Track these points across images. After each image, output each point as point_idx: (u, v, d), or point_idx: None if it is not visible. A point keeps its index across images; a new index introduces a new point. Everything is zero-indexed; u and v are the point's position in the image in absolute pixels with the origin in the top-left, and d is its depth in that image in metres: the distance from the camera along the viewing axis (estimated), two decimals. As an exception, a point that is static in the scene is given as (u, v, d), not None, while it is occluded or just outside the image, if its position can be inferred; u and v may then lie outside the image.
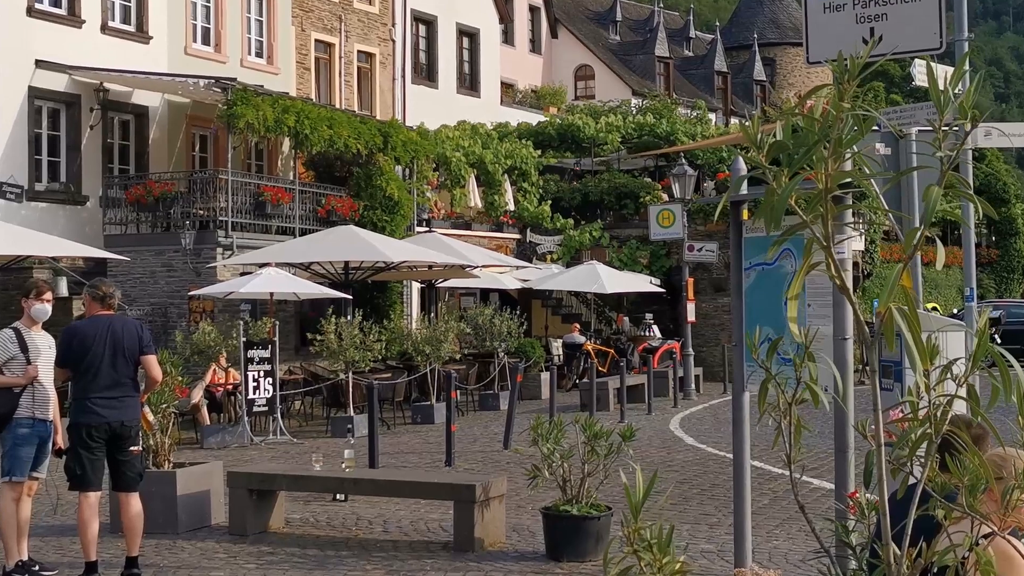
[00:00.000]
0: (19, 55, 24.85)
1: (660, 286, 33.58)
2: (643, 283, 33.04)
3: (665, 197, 35.14)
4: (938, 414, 3.29)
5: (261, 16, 31.72)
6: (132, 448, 9.67)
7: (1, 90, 24.53)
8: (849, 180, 3.24)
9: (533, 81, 52.24)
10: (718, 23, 68.01)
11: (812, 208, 3.24)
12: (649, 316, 33.58)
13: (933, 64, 10.39)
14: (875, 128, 11.25)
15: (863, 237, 35.15)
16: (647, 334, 32.89)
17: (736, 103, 61.47)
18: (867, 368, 3.55)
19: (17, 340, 9.75)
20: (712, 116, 50.57)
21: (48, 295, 9.98)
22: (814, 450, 14.40)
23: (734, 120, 56.34)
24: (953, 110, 3.21)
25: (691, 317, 29.33)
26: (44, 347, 9.85)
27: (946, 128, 3.20)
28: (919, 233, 3.20)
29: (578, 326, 32.91)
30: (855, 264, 35.04)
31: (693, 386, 28.71)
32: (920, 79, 11.11)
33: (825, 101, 3.26)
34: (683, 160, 31.28)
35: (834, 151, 3.15)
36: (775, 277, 7.90)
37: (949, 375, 3.37)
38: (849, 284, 3.54)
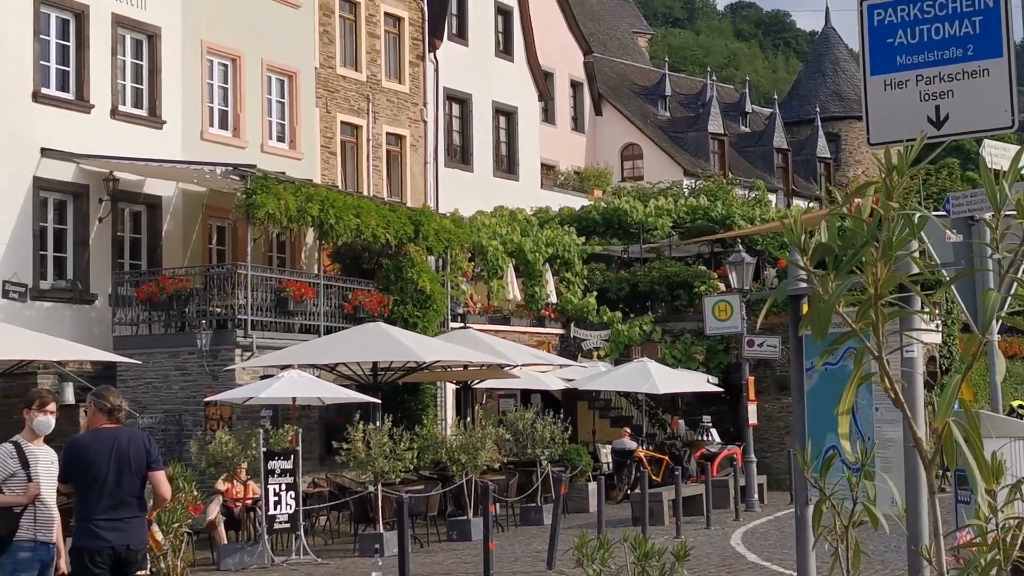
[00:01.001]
0: (24, 143, 25.33)
1: (718, 385, 33.43)
2: (699, 382, 32.90)
3: (722, 287, 35.12)
4: (1007, 539, 3.28)
5: (283, 97, 32.21)
6: (139, 573, 9.69)
7: (4, 181, 24.96)
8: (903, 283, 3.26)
9: (576, 162, 52.59)
10: (776, 96, 68.33)
11: (862, 315, 3.27)
12: (707, 419, 33.39)
13: (1002, 147, 10.43)
14: (942, 213, 11.27)
15: (940, 329, 34.93)
16: (705, 439, 32.70)
17: (798, 182, 61.57)
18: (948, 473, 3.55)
19: (18, 455, 9.83)
20: (772, 197, 50.66)
21: (52, 406, 10.08)
22: (890, 566, 14.22)
23: (796, 201, 56.39)
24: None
25: (753, 419, 29.16)
26: (46, 462, 9.92)
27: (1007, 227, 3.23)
28: (979, 344, 3.22)
29: (628, 430, 32.77)
30: (932, 359, 34.78)
31: (756, 496, 28.46)
32: (991, 160, 11.14)
33: (874, 199, 3.30)
34: (740, 246, 31.32)
35: (884, 253, 3.18)
36: (840, 377, 7.88)
37: (1019, 495, 3.36)
38: (919, 384, 3.55)
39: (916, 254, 3.21)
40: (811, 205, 54.01)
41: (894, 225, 3.16)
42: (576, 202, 43.56)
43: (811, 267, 3.29)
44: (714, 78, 64.84)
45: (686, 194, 44.53)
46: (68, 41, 26.64)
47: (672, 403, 35.27)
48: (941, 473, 20.95)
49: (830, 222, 3.31)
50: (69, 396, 23.11)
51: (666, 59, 69.37)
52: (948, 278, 3.57)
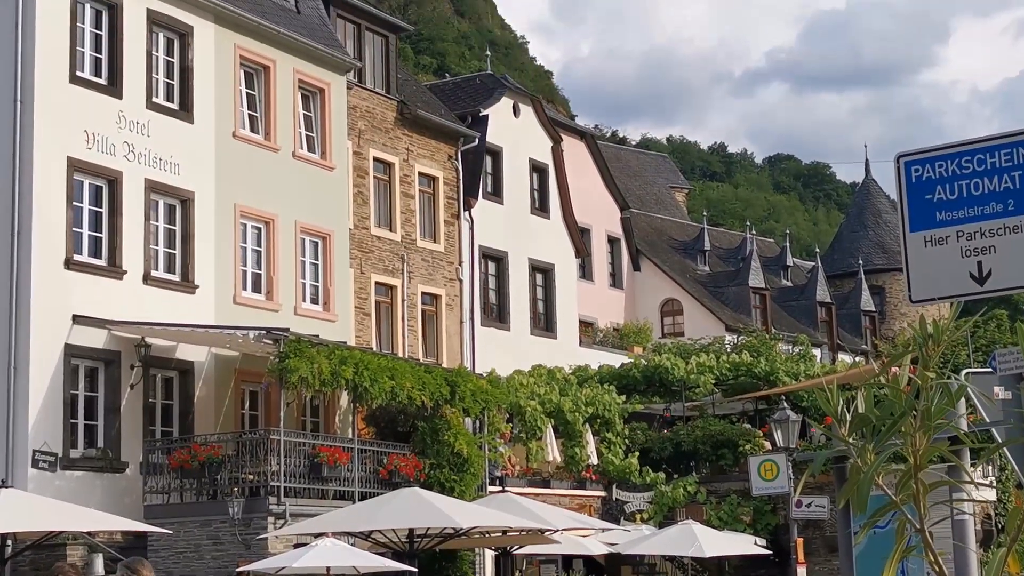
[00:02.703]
0: (56, 311, 25.63)
1: (766, 547, 32.97)
2: (746, 544, 32.47)
3: (767, 446, 34.86)
4: None
5: (317, 259, 32.55)
6: None
7: (36, 350, 25.21)
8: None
9: (615, 319, 52.70)
10: (818, 249, 68.50)
11: (903, 487, 3.26)
12: (755, 582, 32.88)
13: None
14: (990, 369, 11.19)
15: (994, 485, 34.45)
16: (754, 602, 32.15)
17: (843, 336, 61.39)
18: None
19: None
20: (816, 352, 50.51)
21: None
22: None
23: (842, 356, 56.19)
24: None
25: (803, 582, 28.66)
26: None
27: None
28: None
29: (674, 595, 32.28)
30: (987, 516, 34.24)
31: (809, 663, 27.85)
32: (1037, 316, 11.12)
33: (911, 367, 3.31)
34: (785, 403, 31.14)
35: (923, 423, 3.19)
36: (890, 540, 7.78)
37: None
38: (972, 559, 3.51)
39: (963, 414, 3.20)
40: (857, 359, 53.79)
41: (932, 394, 3.16)
42: (616, 360, 43.55)
43: (850, 437, 3.29)
44: (754, 232, 65.18)
45: (728, 350, 44.46)
46: (101, 207, 27.13)
47: (719, 566, 34.76)
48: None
49: (867, 391, 3.32)
50: (99, 568, 23.00)
51: (704, 213, 69.88)
52: (998, 438, 3.56)
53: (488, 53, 68.28)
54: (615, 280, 54.68)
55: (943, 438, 3.31)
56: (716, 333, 50.33)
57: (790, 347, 47.16)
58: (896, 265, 63.79)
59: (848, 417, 3.29)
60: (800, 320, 60.30)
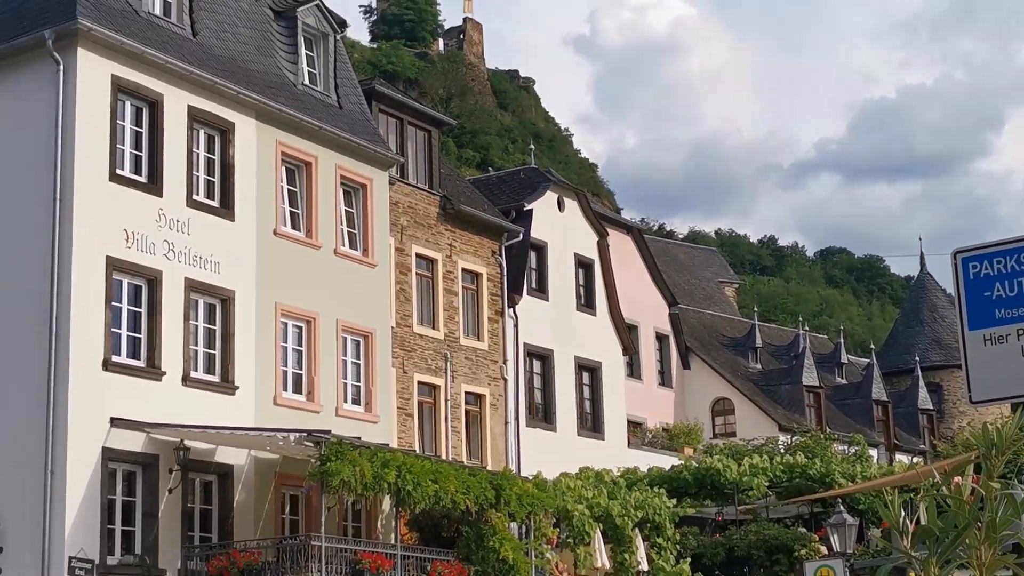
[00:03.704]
0: (93, 413, 25.78)
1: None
2: (804, 653, 32.02)
3: (824, 551, 34.47)
4: None
5: (358, 358, 32.64)
6: None
7: (73, 454, 25.32)
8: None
9: (664, 419, 52.50)
10: (873, 345, 68.20)
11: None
12: None
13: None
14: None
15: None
16: None
17: (900, 435, 60.87)
18: None
19: None
20: (873, 452, 50.06)
21: None
22: None
23: (899, 456, 55.65)
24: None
25: None
26: None
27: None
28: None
29: None
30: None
31: None
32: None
33: (974, 477, 3.33)
34: (842, 506, 30.88)
35: (987, 535, 3.19)
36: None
37: None
38: None
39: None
40: (915, 460, 53.27)
41: (996, 505, 3.17)
42: (666, 461, 43.30)
43: (912, 549, 3.29)
44: (806, 327, 64.99)
45: (782, 451, 44.16)
46: (140, 307, 27.35)
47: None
48: None
49: (929, 501, 3.33)
50: None
51: (755, 309, 69.78)
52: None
53: (532, 146, 69.01)
54: (664, 378, 54.54)
55: (1009, 549, 3.33)
56: (769, 433, 50.03)
57: (846, 447, 46.79)
58: (954, 362, 63.30)
59: (909, 526, 3.31)
60: (856, 419, 59.88)
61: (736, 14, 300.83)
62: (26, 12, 27.76)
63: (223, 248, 29.11)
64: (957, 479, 3.33)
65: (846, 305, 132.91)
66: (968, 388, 9.52)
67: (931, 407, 63.66)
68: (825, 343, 70.83)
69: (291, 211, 31.58)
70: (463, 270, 38.75)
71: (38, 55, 26.79)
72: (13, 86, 27.50)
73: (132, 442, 26.52)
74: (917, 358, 64.58)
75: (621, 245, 49.99)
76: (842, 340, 68.09)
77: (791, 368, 59.39)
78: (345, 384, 32.12)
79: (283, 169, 31.35)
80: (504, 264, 40.29)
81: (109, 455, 26.11)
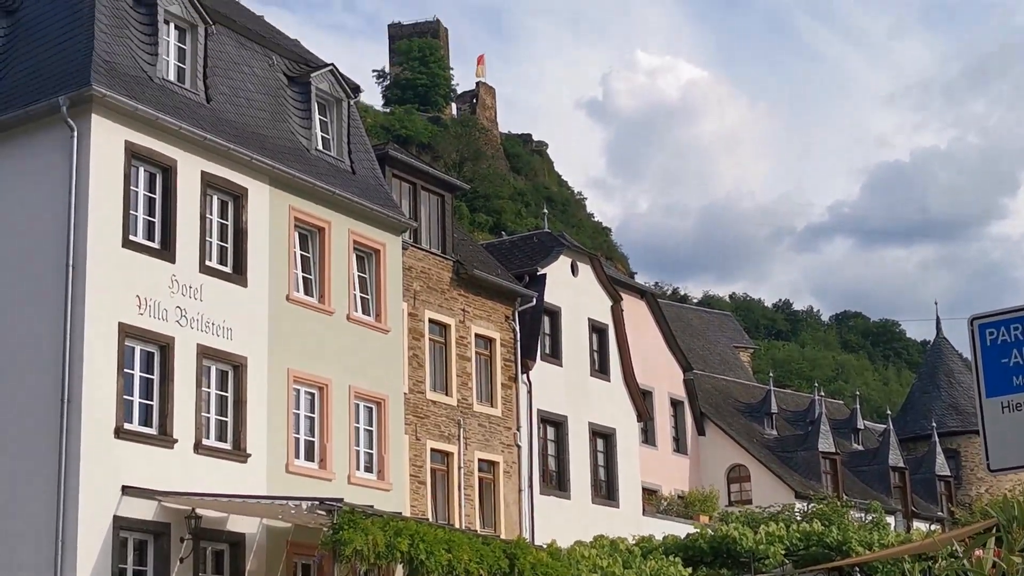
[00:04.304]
0: (105, 481, 25.76)
1: None
2: None
3: (842, 619, 34.22)
4: None
5: (371, 425, 32.62)
6: None
7: (84, 522, 25.28)
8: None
9: (679, 486, 52.33)
10: (889, 411, 68.02)
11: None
12: None
13: None
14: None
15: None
16: None
17: (918, 502, 60.57)
18: None
19: None
20: (890, 519, 49.78)
21: None
22: None
23: (917, 524, 55.34)
24: None
25: None
26: None
27: None
28: None
29: None
30: None
31: None
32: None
33: (995, 550, 3.36)
34: (859, 574, 30.70)
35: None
36: None
37: None
38: None
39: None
40: (933, 527, 52.99)
41: (1018, 578, 3.20)
42: (681, 529, 43.09)
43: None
44: (822, 393, 64.90)
45: (798, 518, 43.92)
46: (152, 374, 27.40)
47: None
48: None
49: (950, 575, 3.37)
50: None
51: (770, 374, 69.69)
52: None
53: (545, 210, 69.22)
54: (679, 445, 54.41)
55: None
56: (785, 500, 49.84)
57: (863, 515, 46.54)
58: (972, 427, 63.08)
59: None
60: (873, 486, 59.63)
61: (749, 77, 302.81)
62: (40, 78, 28.01)
63: (235, 314, 29.21)
64: (978, 552, 3.37)
65: (862, 370, 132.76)
66: (986, 456, 9.53)
67: (949, 473, 63.36)
68: (841, 409, 70.63)
69: (304, 276, 31.70)
70: (476, 335, 38.81)
71: (52, 121, 26.99)
72: (27, 152, 27.69)
73: (144, 510, 26.48)
74: (934, 424, 64.37)
75: (635, 310, 50.04)
76: (858, 405, 67.91)
77: (807, 434, 59.22)
78: (357, 451, 32.09)
79: (296, 234, 31.51)
80: (517, 329, 40.35)
81: (120, 524, 26.07)
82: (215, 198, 29.62)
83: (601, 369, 44.96)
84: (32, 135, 27.57)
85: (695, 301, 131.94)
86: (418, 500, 34.74)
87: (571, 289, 43.92)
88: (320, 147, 33.17)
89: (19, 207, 27.55)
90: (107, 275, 26.55)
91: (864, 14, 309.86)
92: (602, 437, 44.25)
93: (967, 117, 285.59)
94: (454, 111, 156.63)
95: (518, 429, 39.71)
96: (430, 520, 32.06)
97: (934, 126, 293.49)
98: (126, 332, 26.73)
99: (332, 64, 34.02)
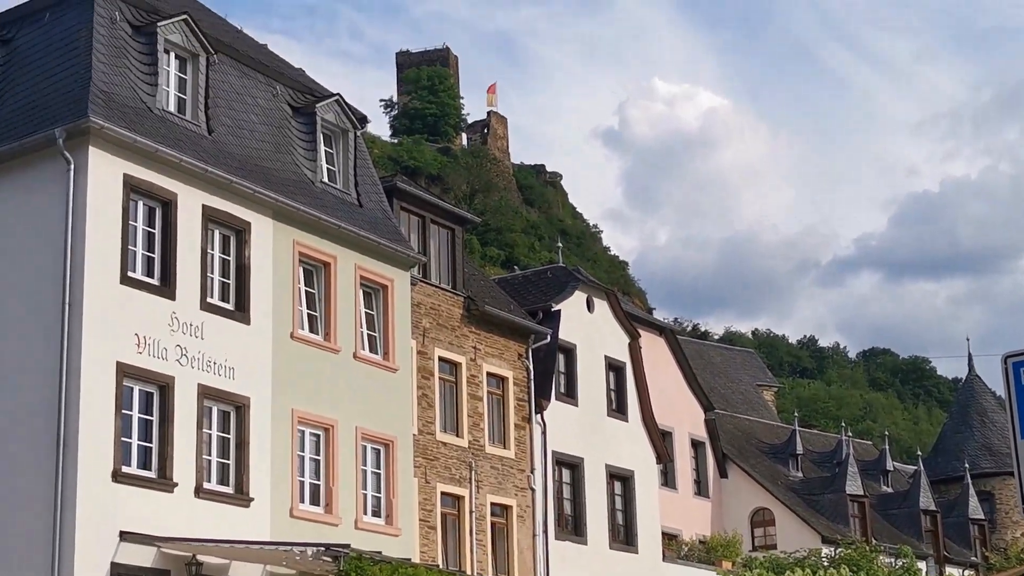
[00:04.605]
0: (102, 527, 25.69)
1: None
2: None
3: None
4: None
5: (379, 468, 32.55)
6: None
7: (81, 568, 25.10)
8: None
9: (701, 530, 52.13)
10: (920, 452, 67.84)
11: None
12: None
13: None
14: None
15: None
16: None
17: (950, 547, 60.28)
18: None
19: None
20: (922, 565, 49.58)
21: None
22: None
23: (949, 569, 55.09)
24: None
25: None
26: None
27: None
28: None
29: None
30: None
31: None
32: None
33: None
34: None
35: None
36: None
37: None
38: None
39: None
40: (966, 573, 52.74)
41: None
42: (703, 576, 42.99)
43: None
44: (849, 433, 64.73)
45: (825, 564, 43.72)
46: (151, 415, 27.34)
47: None
48: None
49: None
50: None
51: (795, 413, 69.57)
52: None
53: (559, 244, 69.31)
54: (700, 488, 54.24)
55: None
56: (812, 545, 49.60)
57: (893, 560, 46.35)
58: (1006, 468, 62.88)
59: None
60: (903, 529, 59.38)
61: (771, 105, 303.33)
62: (36, 109, 28.10)
63: (238, 353, 29.19)
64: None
65: (891, 409, 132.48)
66: (1022, 498, 9.48)
67: (983, 517, 63.06)
68: (869, 449, 70.42)
69: (309, 313, 31.69)
70: (488, 374, 38.76)
71: (48, 154, 27.02)
72: (22, 185, 27.73)
73: (143, 557, 26.41)
74: (967, 465, 64.13)
75: (654, 347, 49.97)
76: (887, 446, 67.71)
77: (834, 476, 59.03)
78: (365, 495, 32.02)
79: (301, 270, 31.53)
80: (531, 367, 40.29)
81: (119, 571, 25.98)
82: (217, 232, 29.65)
83: (619, 409, 44.85)
84: (27, 168, 27.63)
85: (716, 338, 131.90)
86: (428, 546, 34.62)
87: (587, 326, 43.87)
88: (326, 179, 33.22)
89: (14, 243, 27.59)
90: (105, 313, 26.55)
91: (890, 39, 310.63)
92: (620, 480, 44.10)
93: (999, 146, 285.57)
94: (464, 141, 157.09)
95: (532, 471, 39.59)
96: (440, 567, 31.97)
97: (964, 155, 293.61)
98: (124, 372, 26.71)
99: (338, 94, 34.11)
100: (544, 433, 40.53)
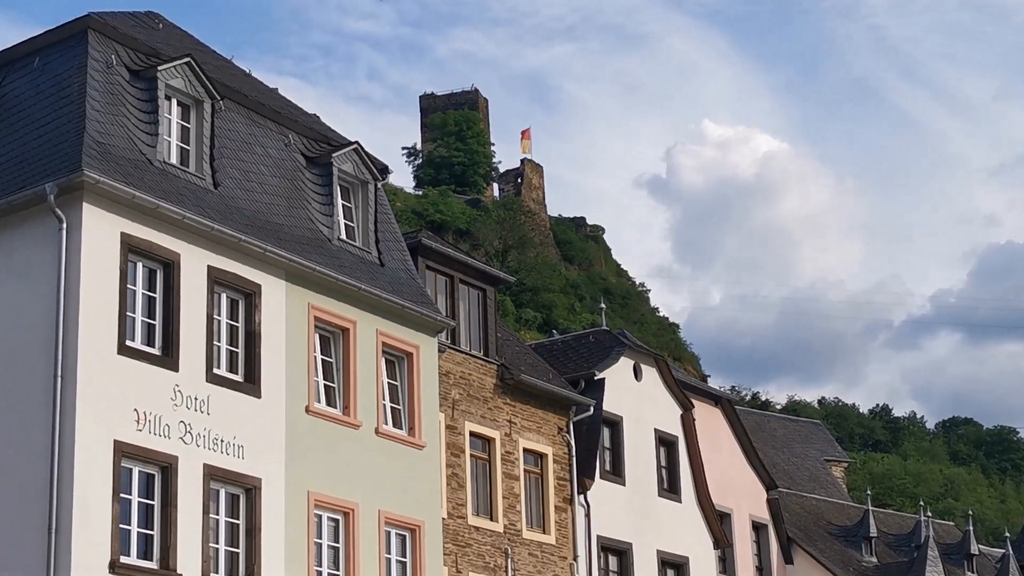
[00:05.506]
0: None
1: None
2: None
3: None
4: None
5: (404, 556, 32.53)
6: None
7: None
8: None
9: (764, 623, 51.83)
10: (1008, 534, 67.35)
11: None
12: None
13: None
14: None
15: None
16: None
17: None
18: None
19: None
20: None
21: None
22: None
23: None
24: None
25: None
26: None
27: None
28: None
29: None
30: None
31: None
32: None
33: None
34: None
35: None
36: None
37: None
38: None
39: None
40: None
41: None
42: (766, 674, 42.70)
43: None
44: (929, 513, 64.26)
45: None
46: (152, 499, 27.32)
47: None
48: None
49: None
50: None
51: (868, 491, 69.16)
52: None
53: (602, 304, 69.25)
54: (763, 575, 53.94)
55: None
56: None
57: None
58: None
59: None
60: (990, 621, 58.91)
61: (834, 148, 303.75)
62: (25, 163, 28.25)
63: (248, 429, 29.20)
64: None
65: (974, 485, 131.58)
66: None
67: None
68: (951, 531, 69.91)
69: (326, 385, 31.72)
70: (525, 451, 38.71)
71: (39, 211, 27.07)
72: (10, 246, 27.78)
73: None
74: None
75: (709, 419, 49.81)
76: (971, 527, 67.19)
77: (912, 561, 58.72)
78: (388, 580, 31.96)
79: (316, 337, 31.58)
80: (573, 443, 40.22)
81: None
82: (224, 296, 29.75)
83: (670, 488, 44.73)
84: (16, 227, 27.71)
85: (778, 408, 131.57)
86: (461, 642, 34.51)
87: (634, 395, 43.80)
88: (343, 236, 33.35)
89: (1, 309, 27.68)
90: (101, 386, 26.57)
91: (964, 78, 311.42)
92: (673, 567, 43.92)
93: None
94: (496, 192, 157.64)
95: (575, 559, 39.47)
96: (474, 666, 31.81)
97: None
98: (123, 451, 26.71)
99: (356, 142, 34.28)
100: (588, 516, 40.41)
